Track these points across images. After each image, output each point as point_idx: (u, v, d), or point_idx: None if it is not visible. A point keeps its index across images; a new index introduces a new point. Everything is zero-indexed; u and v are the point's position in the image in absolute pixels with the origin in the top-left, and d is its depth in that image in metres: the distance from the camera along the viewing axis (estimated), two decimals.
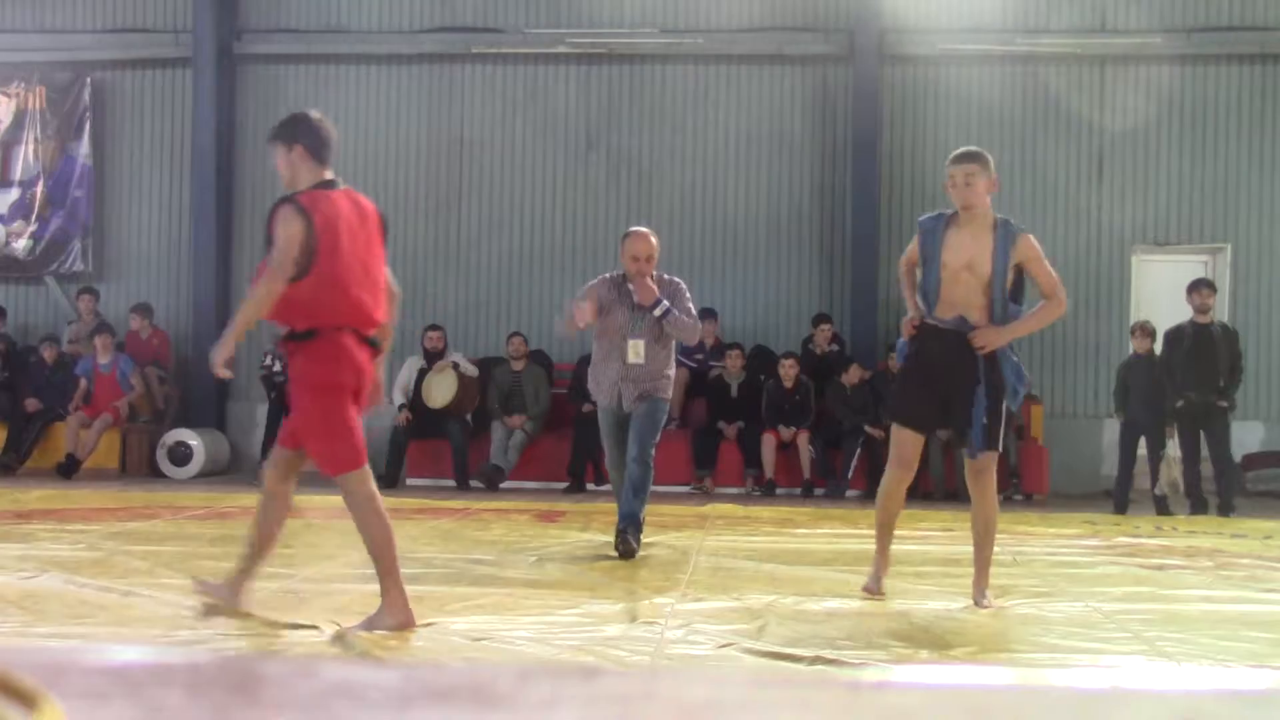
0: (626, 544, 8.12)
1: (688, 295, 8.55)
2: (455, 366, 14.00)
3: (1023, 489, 13.66)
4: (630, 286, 8.41)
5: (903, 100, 15.57)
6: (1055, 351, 15.30)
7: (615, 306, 8.43)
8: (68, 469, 14.13)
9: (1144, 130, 15.43)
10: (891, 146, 15.53)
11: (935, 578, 7.47)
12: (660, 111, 15.85)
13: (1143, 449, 12.50)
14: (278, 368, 14.19)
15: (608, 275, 8.69)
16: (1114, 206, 15.46)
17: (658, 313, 8.33)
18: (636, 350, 8.39)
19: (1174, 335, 12.19)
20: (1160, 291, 15.23)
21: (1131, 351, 12.87)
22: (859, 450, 13.70)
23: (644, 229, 8.64)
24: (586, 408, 8.59)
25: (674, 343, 8.57)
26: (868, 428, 13.54)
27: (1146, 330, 12.58)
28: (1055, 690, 0.95)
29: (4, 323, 15.79)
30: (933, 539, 9.55)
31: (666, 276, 8.61)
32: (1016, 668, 5.03)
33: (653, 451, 8.48)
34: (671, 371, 8.62)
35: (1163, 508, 11.95)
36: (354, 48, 16.08)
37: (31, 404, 14.68)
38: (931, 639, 5.65)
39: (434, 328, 14.38)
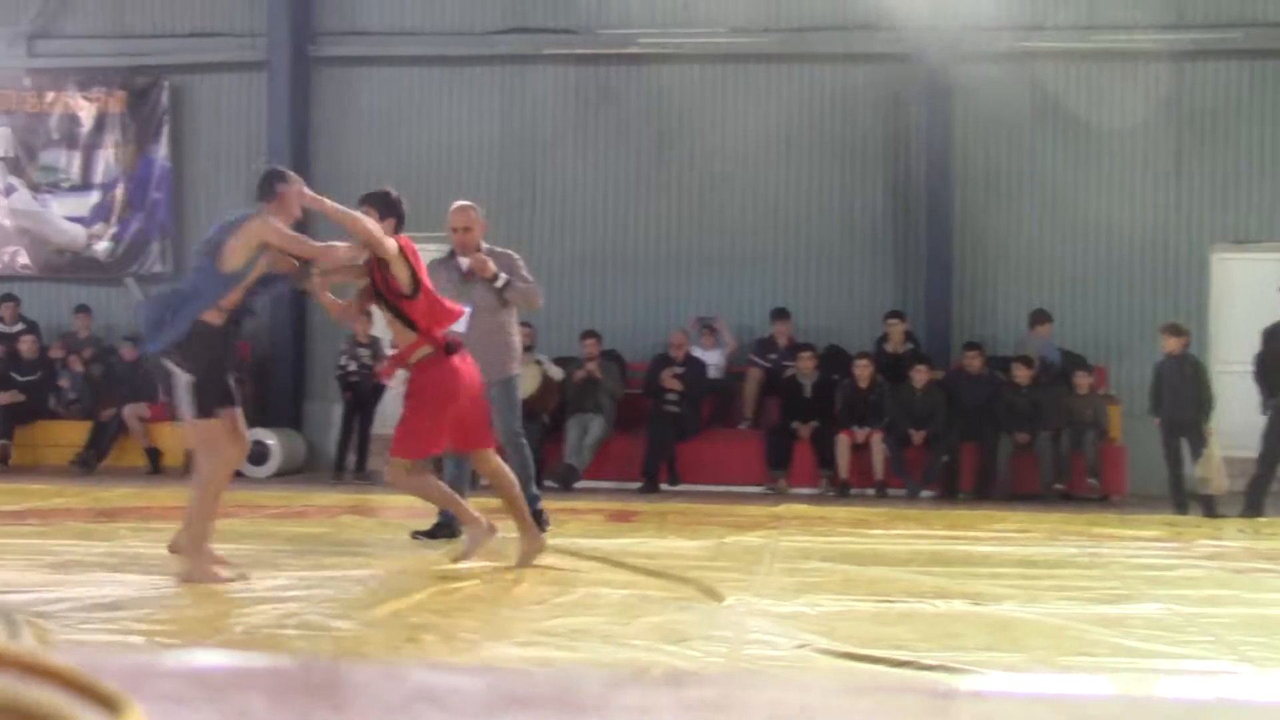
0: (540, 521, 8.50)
1: (522, 264, 8.84)
2: (539, 364, 14.03)
3: (1103, 490, 13.50)
4: (459, 261, 8.69)
5: (975, 97, 15.42)
6: (1133, 351, 15.09)
7: (445, 286, 8.46)
8: (152, 462, 14.51)
9: (1222, 127, 15.20)
10: (965, 143, 15.38)
11: (1011, 578, 7.40)
12: (731, 111, 15.81)
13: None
14: (353, 367, 14.32)
15: (434, 259, 8.87)
16: (1192, 205, 15.23)
17: (499, 285, 8.57)
18: (462, 319, 8.54)
19: (1271, 333, 12.05)
20: (1239, 291, 14.99)
21: (1163, 352, 12.68)
22: (948, 452, 13.60)
23: (465, 202, 8.99)
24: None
25: (511, 312, 8.77)
26: (1018, 433, 13.45)
27: (1175, 330, 12.49)
28: (1158, 701, 0.92)
29: (91, 321, 16.08)
30: (1009, 539, 9.45)
31: (498, 249, 8.90)
32: (1117, 675, 4.91)
33: (519, 427, 8.73)
34: (509, 342, 8.77)
35: (1209, 509, 11.78)
36: (426, 50, 16.16)
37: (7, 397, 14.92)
38: (1009, 640, 5.59)
39: (521, 324, 14.39)
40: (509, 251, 8.98)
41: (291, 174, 7.28)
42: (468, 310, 8.48)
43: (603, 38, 15.90)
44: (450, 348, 7.35)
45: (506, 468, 7.77)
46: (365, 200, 7.30)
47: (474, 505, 7.68)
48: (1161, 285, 15.24)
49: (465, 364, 7.42)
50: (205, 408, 6.70)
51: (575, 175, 16.03)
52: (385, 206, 7.34)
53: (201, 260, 6.77)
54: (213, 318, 6.68)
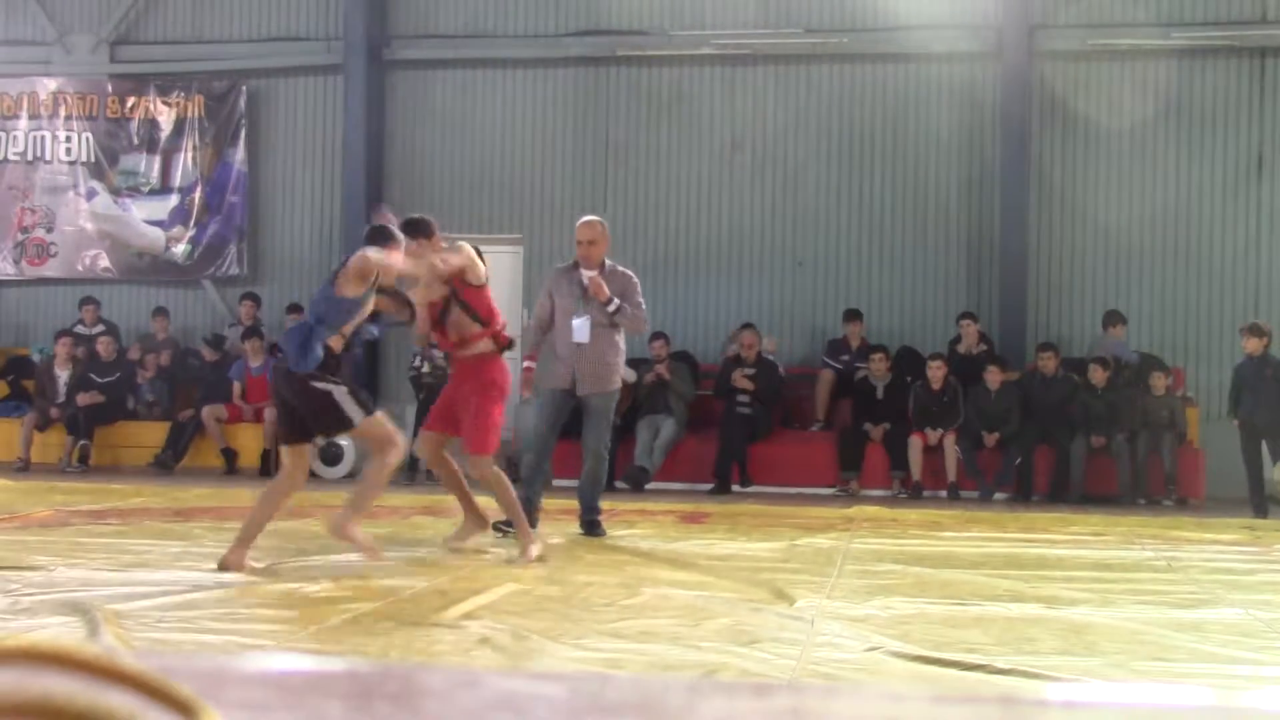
0: (596, 531, 9.08)
1: (638, 287, 9.10)
2: None
3: (1180, 494, 13.30)
4: (582, 275, 8.95)
5: (1053, 97, 15.27)
6: (1211, 354, 14.87)
7: (565, 295, 8.95)
8: (228, 462, 14.68)
9: None
10: (1041, 144, 15.22)
11: (1085, 582, 7.32)
12: (805, 112, 15.73)
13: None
14: (426, 369, 14.40)
15: (558, 266, 9.44)
16: (1274, 203, 14.98)
17: (610, 309, 8.87)
18: (581, 329, 8.82)
19: None
20: None
21: (1244, 353, 12.50)
22: (1024, 454, 13.44)
23: (593, 217, 9.33)
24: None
25: (621, 332, 9.10)
26: (1093, 435, 13.33)
27: (1256, 330, 12.32)
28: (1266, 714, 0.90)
29: (168, 323, 16.26)
30: (1084, 543, 9.34)
31: (620, 268, 9.16)
32: (1217, 687, 4.81)
33: (609, 440, 9.27)
34: (619, 360, 9.14)
35: None
36: (501, 52, 16.22)
37: (85, 399, 15.02)
38: (1083, 644, 5.53)
39: None
40: (629, 272, 9.24)
41: (398, 235, 7.57)
42: (586, 318, 8.82)
43: (675, 39, 15.89)
44: (501, 346, 7.88)
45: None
46: (409, 231, 7.68)
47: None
48: (1242, 285, 15.00)
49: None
50: (368, 406, 7.20)
51: (647, 176, 16.02)
52: (426, 228, 7.76)
53: (325, 288, 7.23)
54: (335, 343, 7.02)
